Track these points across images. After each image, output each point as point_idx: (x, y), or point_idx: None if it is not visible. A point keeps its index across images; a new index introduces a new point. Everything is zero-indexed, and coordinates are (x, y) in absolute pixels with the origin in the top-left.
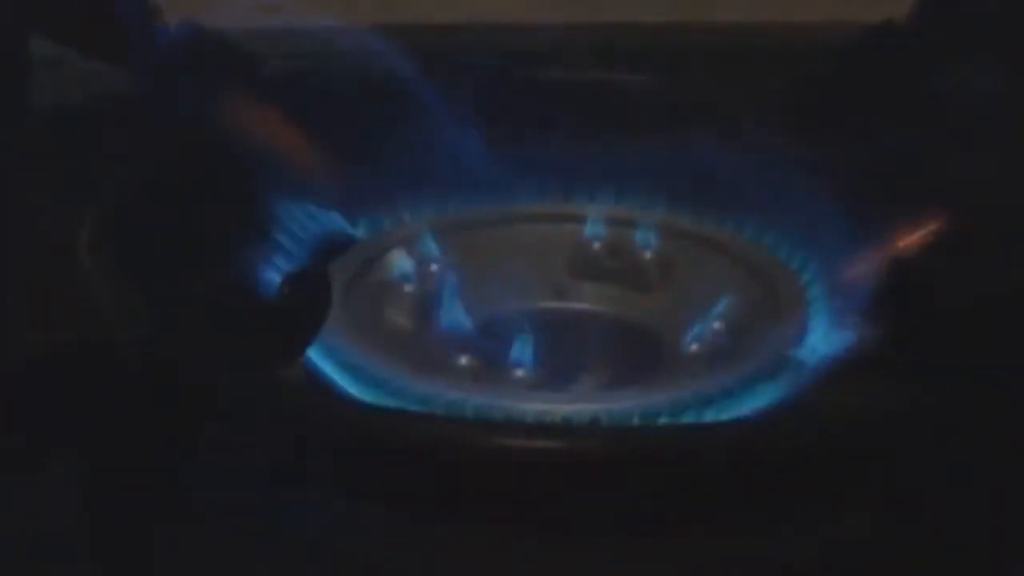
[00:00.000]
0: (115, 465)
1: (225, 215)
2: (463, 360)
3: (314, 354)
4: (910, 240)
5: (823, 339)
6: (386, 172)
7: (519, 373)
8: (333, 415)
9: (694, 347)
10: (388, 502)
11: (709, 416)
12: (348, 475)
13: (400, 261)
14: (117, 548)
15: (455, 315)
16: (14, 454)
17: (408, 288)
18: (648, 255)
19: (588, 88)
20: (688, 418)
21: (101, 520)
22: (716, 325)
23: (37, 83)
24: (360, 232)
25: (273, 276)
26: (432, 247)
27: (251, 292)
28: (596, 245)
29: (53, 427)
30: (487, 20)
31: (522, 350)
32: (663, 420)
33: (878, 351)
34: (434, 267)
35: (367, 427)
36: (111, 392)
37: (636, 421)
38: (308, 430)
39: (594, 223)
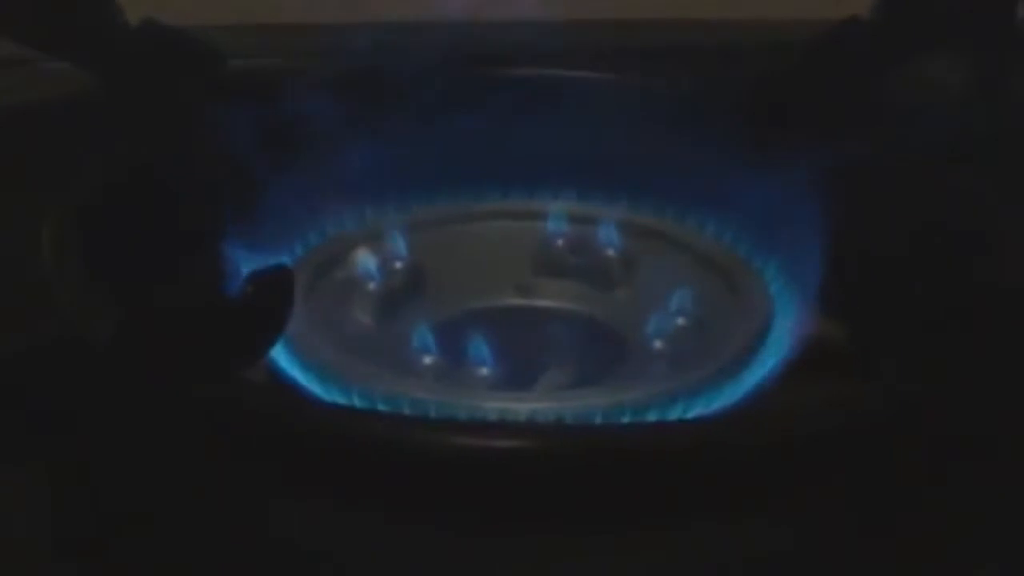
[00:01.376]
0: (78, 466)
1: (189, 214)
2: (427, 359)
3: (277, 354)
4: (874, 236)
5: (787, 336)
6: (350, 169)
7: (482, 372)
8: (296, 415)
9: (658, 345)
10: (350, 502)
11: (673, 414)
12: (310, 475)
13: (364, 259)
14: (82, 549)
15: (419, 313)
16: None
17: (372, 286)
18: (611, 252)
19: (551, 85)
20: (652, 416)
21: (67, 522)
22: (680, 322)
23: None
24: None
25: (236, 275)
26: (396, 245)
27: (214, 291)
28: (559, 242)
29: (16, 428)
30: (453, 18)
31: (485, 349)
32: (627, 418)
33: (842, 348)
34: (398, 265)
35: (330, 427)
36: (73, 392)
37: (600, 420)
38: (270, 430)
39: (558, 220)
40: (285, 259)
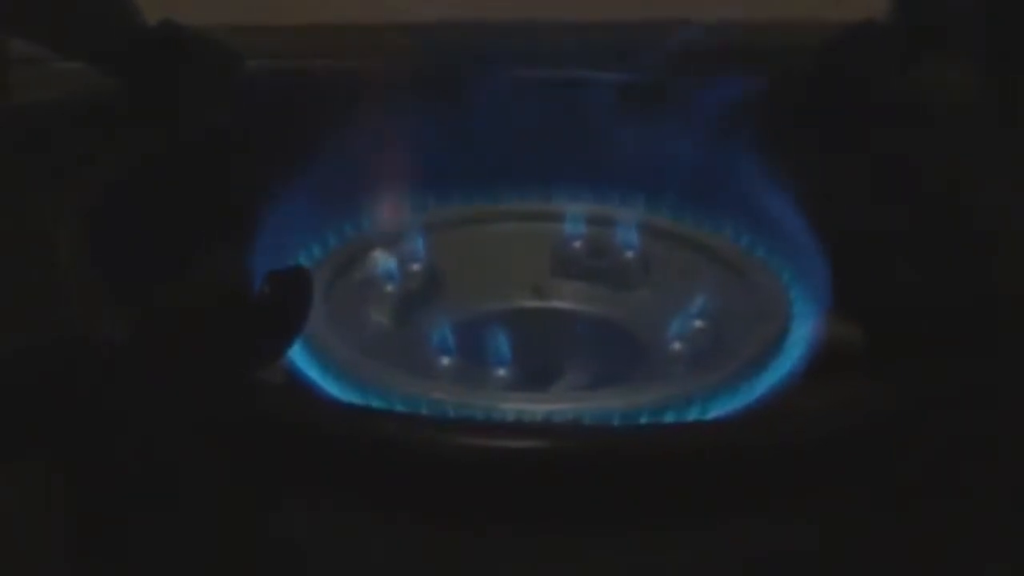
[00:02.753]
0: (89, 466)
1: (205, 214)
2: (444, 360)
3: (295, 354)
4: (890, 239)
5: (804, 338)
6: (367, 171)
7: (500, 373)
8: (313, 416)
9: (675, 346)
10: (367, 502)
11: (691, 416)
12: (327, 476)
13: (382, 260)
14: (91, 548)
15: (436, 315)
16: None
17: (389, 287)
18: (629, 254)
19: (568, 87)
20: (669, 418)
21: (75, 521)
22: (697, 324)
23: (15, 82)
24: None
25: (254, 275)
26: (413, 246)
27: (231, 291)
28: (577, 244)
29: (29, 428)
30: (469, 19)
31: (503, 349)
32: (644, 420)
33: (857, 349)
34: (416, 266)
35: (347, 427)
36: (87, 393)
37: (617, 421)
38: (287, 431)
39: (575, 222)
40: (303, 260)
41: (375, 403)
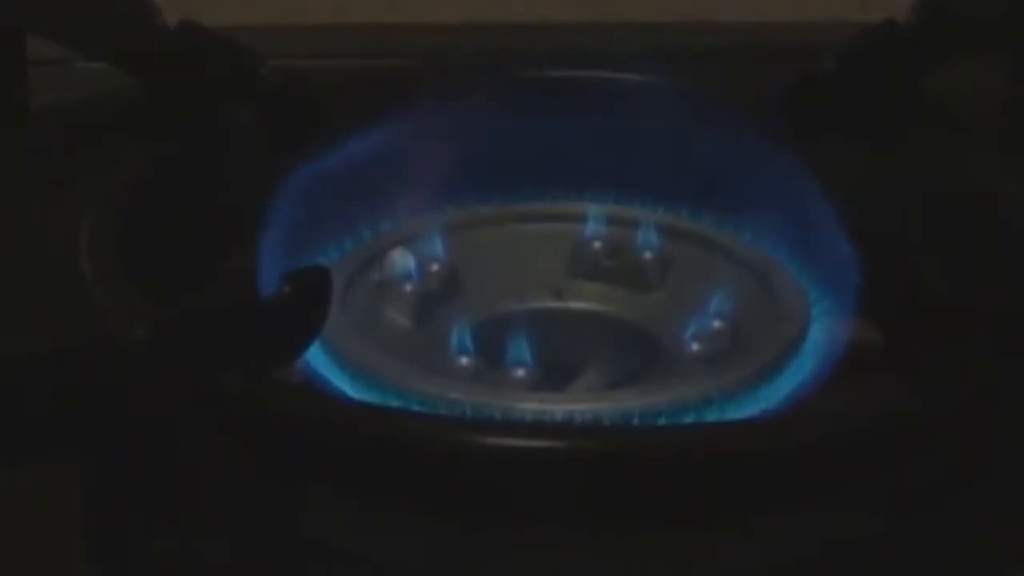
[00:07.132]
0: (111, 466)
1: (225, 214)
2: (462, 360)
3: (313, 354)
4: (912, 239)
5: (823, 340)
6: (385, 171)
7: (518, 373)
8: (330, 415)
9: (694, 347)
10: (385, 502)
11: (709, 417)
12: (345, 475)
13: (400, 260)
14: (114, 548)
15: (455, 315)
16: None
17: (408, 287)
18: (648, 255)
19: (589, 87)
20: (688, 419)
21: (98, 522)
22: (716, 325)
23: (36, 83)
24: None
25: (273, 275)
26: (432, 246)
27: (251, 292)
28: (596, 245)
29: (48, 427)
30: (487, 20)
31: (521, 350)
32: (663, 420)
33: (878, 351)
34: (434, 266)
35: (365, 427)
36: (108, 393)
37: (636, 421)
38: (305, 430)
39: (594, 223)
40: (322, 260)
41: (393, 403)
